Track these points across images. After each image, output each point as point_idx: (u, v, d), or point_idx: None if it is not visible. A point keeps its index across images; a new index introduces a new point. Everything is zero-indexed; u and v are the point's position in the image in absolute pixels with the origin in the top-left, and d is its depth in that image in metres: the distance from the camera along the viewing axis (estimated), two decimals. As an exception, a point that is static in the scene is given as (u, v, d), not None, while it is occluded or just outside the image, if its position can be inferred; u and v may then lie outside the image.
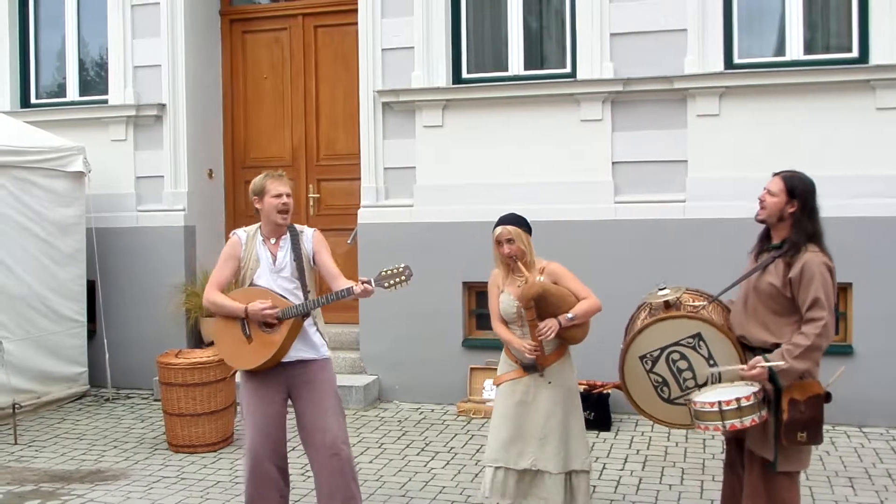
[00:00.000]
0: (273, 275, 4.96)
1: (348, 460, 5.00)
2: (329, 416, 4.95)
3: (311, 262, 5.05)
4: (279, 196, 4.96)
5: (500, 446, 4.97)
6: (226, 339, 5.01)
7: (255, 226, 5.12)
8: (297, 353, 4.95)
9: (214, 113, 9.66)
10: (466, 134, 8.39)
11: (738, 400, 4.20)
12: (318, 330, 5.05)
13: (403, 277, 4.71)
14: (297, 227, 5.11)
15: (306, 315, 4.91)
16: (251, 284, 4.97)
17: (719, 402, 4.23)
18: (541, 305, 4.79)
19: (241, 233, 5.13)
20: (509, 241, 4.95)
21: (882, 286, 7.38)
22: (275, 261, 4.98)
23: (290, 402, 5.07)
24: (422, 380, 8.41)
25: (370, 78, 8.60)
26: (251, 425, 4.99)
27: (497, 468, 4.97)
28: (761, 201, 4.48)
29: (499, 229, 5.00)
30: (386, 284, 4.71)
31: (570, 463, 4.93)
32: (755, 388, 4.27)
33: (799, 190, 4.41)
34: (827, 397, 4.30)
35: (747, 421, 4.22)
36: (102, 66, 9.69)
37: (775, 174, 4.54)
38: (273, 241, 5.03)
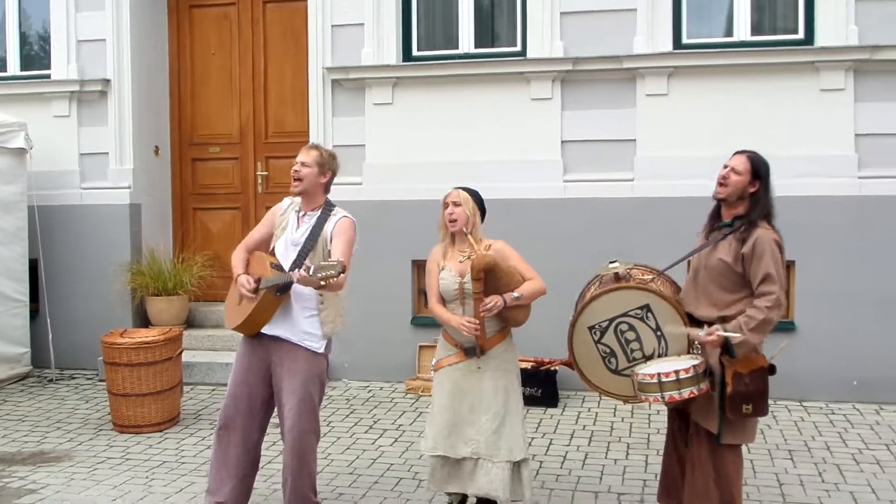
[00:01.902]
0: (290, 246, 4.97)
1: (311, 449, 4.96)
2: (295, 406, 4.88)
3: (328, 245, 4.95)
4: (295, 163, 5.00)
5: (441, 434, 4.85)
6: (231, 296, 5.13)
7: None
8: (274, 329, 4.90)
9: (161, 89, 9.51)
10: (416, 112, 8.36)
11: (676, 372, 4.28)
12: (317, 317, 4.93)
13: (333, 272, 4.52)
14: (336, 209, 5.04)
15: (279, 291, 4.80)
16: (272, 251, 5.03)
17: (659, 374, 4.31)
18: (489, 279, 4.69)
19: (286, 200, 5.19)
20: (456, 203, 4.89)
21: (823, 264, 7.52)
22: (296, 232, 4.99)
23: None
24: (371, 358, 8.40)
25: (320, 55, 8.53)
26: (228, 391, 5.04)
27: (436, 456, 4.87)
28: (724, 178, 4.52)
29: (451, 190, 4.97)
30: (319, 275, 4.59)
31: (513, 452, 4.79)
32: (696, 360, 4.34)
33: (762, 171, 4.52)
34: (771, 370, 4.38)
35: (686, 393, 4.30)
36: (45, 40, 9.46)
37: (737, 152, 4.59)
38: (303, 213, 5.03)
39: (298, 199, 5.09)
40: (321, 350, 4.98)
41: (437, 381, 4.98)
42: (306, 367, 4.93)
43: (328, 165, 5.03)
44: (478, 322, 4.74)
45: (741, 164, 4.51)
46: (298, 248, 4.93)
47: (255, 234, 5.21)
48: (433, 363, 5.03)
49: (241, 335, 5.09)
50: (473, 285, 4.70)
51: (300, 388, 4.91)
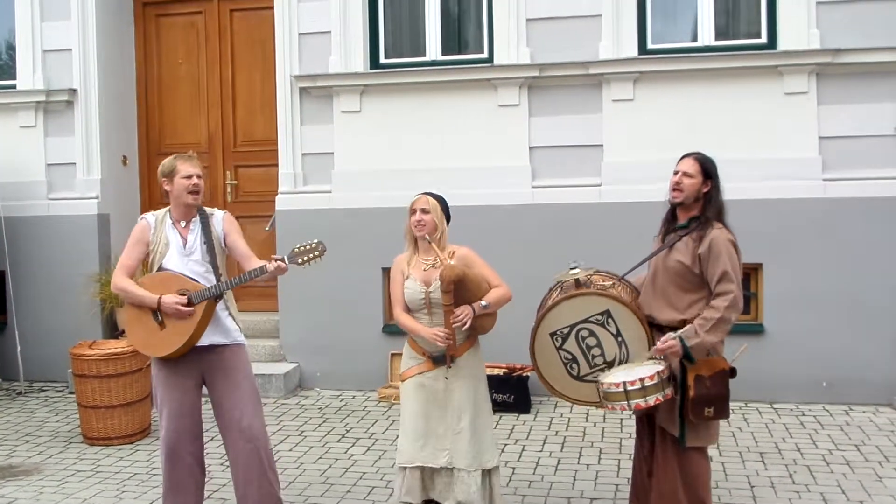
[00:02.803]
0: (184, 258, 4.87)
1: (265, 447, 4.94)
2: (245, 404, 4.89)
3: (223, 245, 4.98)
4: (189, 177, 4.88)
5: (415, 446, 4.81)
6: (137, 327, 4.90)
7: (165, 209, 5.03)
8: (209, 337, 4.85)
9: (128, 98, 9.46)
10: (384, 119, 8.36)
11: (641, 380, 4.31)
12: (230, 315, 4.96)
13: (317, 253, 4.61)
14: (208, 209, 5.04)
15: (219, 297, 4.82)
16: (160, 268, 4.87)
17: (624, 383, 4.34)
18: (458, 290, 4.65)
19: (150, 216, 5.03)
20: (424, 210, 4.84)
21: (791, 266, 7.59)
22: (185, 244, 4.89)
23: (205, 389, 4.99)
24: (342, 366, 8.39)
25: (287, 63, 8.51)
26: (166, 415, 4.92)
27: (413, 468, 4.82)
28: (677, 184, 4.58)
29: (417, 196, 4.93)
30: (300, 261, 4.61)
31: (484, 460, 4.80)
32: (660, 367, 4.37)
33: (712, 170, 4.61)
34: (732, 373, 4.42)
35: (651, 400, 4.33)
36: (10, 49, 9.38)
37: (684, 156, 4.66)
38: (183, 224, 4.94)
39: (162, 213, 5.01)
40: (245, 342, 5.05)
41: (405, 390, 4.92)
42: (243, 360, 4.99)
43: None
44: (450, 332, 4.70)
45: (691, 167, 4.58)
46: (198, 256, 4.87)
47: (132, 256, 4.96)
48: (402, 373, 4.96)
49: (155, 360, 4.96)
50: (443, 297, 4.66)
51: (246, 382, 4.94)
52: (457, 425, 4.79)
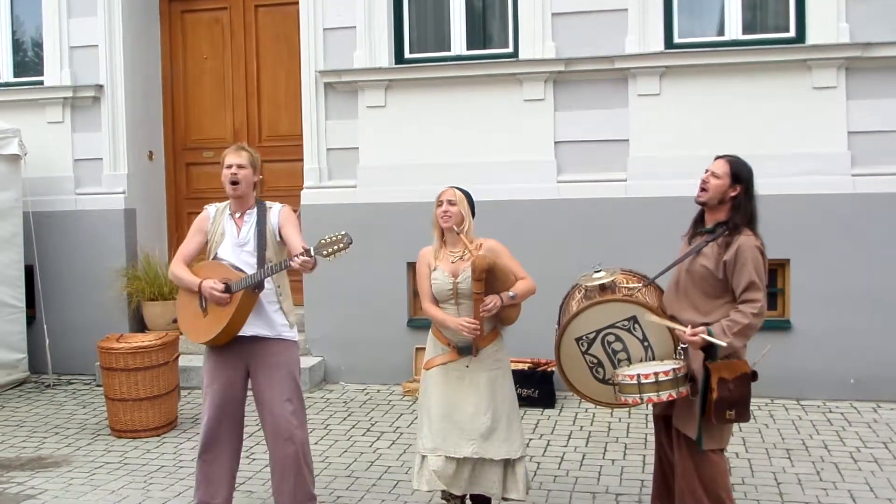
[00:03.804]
0: (237, 249, 4.93)
1: (302, 445, 4.98)
2: (284, 401, 4.93)
3: (277, 237, 4.99)
4: (229, 167, 4.94)
5: (439, 434, 4.80)
6: (186, 312, 5.03)
7: (227, 201, 5.09)
8: (252, 328, 4.91)
9: (154, 94, 9.52)
10: (409, 114, 8.37)
11: (656, 374, 4.29)
12: (281, 309, 4.99)
13: (342, 245, 4.58)
14: (268, 203, 5.08)
15: (258, 287, 4.84)
16: (215, 258, 4.96)
17: (638, 375, 4.32)
18: (488, 280, 4.68)
19: (211, 207, 5.14)
20: (451, 202, 4.86)
21: (818, 262, 7.53)
22: (238, 235, 4.95)
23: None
24: (367, 361, 8.40)
25: (312, 58, 8.53)
26: (208, 403, 5.01)
27: (437, 457, 4.79)
28: (704, 182, 4.53)
29: (445, 189, 4.95)
30: (325, 253, 4.59)
31: (512, 450, 4.80)
32: (677, 364, 4.34)
33: (743, 175, 4.49)
34: (754, 376, 4.37)
35: (664, 395, 4.31)
36: (38, 46, 9.47)
37: (718, 157, 4.59)
38: (239, 215, 5.01)
39: (224, 205, 5.08)
40: (296, 338, 5.07)
41: (429, 380, 4.93)
42: (288, 357, 5.00)
43: (257, 164, 5.06)
44: (478, 322, 4.73)
45: (720, 168, 4.50)
46: (250, 247, 4.92)
47: (190, 245, 5.09)
48: (426, 361, 4.98)
49: (206, 348, 5.04)
50: (474, 286, 4.67)
51: (288, 379, 4.97)
52: (482, 415, 4.78)
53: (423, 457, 4.86)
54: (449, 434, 4.80)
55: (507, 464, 4.83)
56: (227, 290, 4.77)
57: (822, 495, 5.45)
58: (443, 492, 4.89)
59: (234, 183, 4.94)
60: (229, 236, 4.97)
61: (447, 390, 4.85)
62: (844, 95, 7.54)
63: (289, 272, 4.91)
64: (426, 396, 4.94)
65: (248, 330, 4.90)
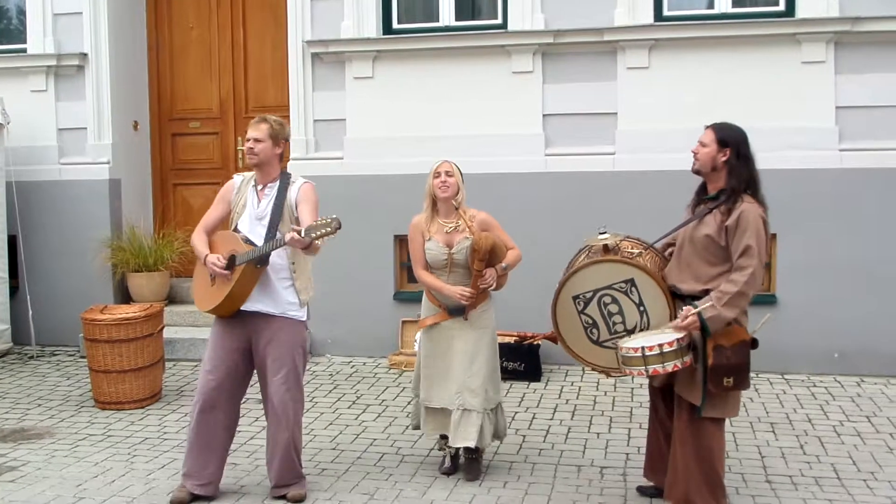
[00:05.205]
0: (254, 221, 4.95)
1: (292, 425, 5.01)
2: (281, 380, 4.95)
3: (294, 213, 4.96)
4: (248, 140, 4.96)
5: (431, 386, 5.26)
6: (198, 280, 5.12)
7: (254, 172, 5.08)
8: (257, 304, 4.92)
9: (139, 63, 9.40)
10: (397, 85, 8.30)
11: (660, 346, 4.31)
12: (293, 286, 4.98)
13: (330, 229, 4.58)
14: (293, 177, 5.06)
15: (261, 263, 4.83)
16: (235, 229, 4.97)
17: (643, 348, 4.34)
18: (489, 256, 5.05)
19: (237, 177, 5.18)
20: (448, 173, 5.14)
21: (805, 237, 7.54)
22: (258, 206, 4.96)
23: None
24: (353, 333, 8.39)
25: (299, 28, 8.43)
26: (205, 370, 5.03)
27: (427, 407, 5.30)
28: (694, 153, 4.56)
29: (441, 161, 5.22)
30: (314, 234, 4.59)
31: (493, 399, 5.26)
32: (680, 334, 4.35)
33: (730, 139, 4.50)
34: (753, 343, 4.39)
35: (669, 366, 4.33)
36: (21, 14, 9.31)
37: (707, 126, 4.60)
38: (261, 187, 5.00)
39: (251, 174, 5.08)
40: (303, 318, 5.06)
41: (422, 337, 5.38)
42: (291, 337, 4.99)
43: (280, 135, 5.01)
44: (475, 292, 5.12)
45: (706, 136, 4.56)
46: (266, 221, 4.91)
47: (213, 214, 5.14)
48: (420, 320, 5.42)
49: (214, 317, 5.07)
50: (477, 264, 5.04)
51: (287, 359, 4.97)
52: (469, 370, 5.16)
53: (425, 407, 5.33)
54: (439, 386, 5.23)
55: (491, 412, 5.25)
56: (231, 262, 4.78)
57: (805, 468, 5.47)
58: (440, 439, 5.43)
59: (251, 155, 4.96)
60: (250, 207, 4.98)
61: (438, 346, 5.26)
62: (833, 70, 7.52)
63: (306, 251, 4.82)
64: (420, 351, 5.41)
65: (252, 305, 4.92)
